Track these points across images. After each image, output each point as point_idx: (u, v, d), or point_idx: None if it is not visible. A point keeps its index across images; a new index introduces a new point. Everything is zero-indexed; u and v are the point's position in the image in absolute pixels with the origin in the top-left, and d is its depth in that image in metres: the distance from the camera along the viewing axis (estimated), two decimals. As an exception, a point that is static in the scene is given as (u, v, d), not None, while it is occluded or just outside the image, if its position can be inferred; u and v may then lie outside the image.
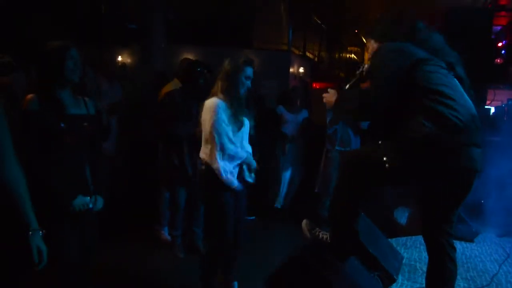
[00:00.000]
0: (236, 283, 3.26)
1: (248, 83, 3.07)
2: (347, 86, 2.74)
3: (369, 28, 2.62)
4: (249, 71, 3.06)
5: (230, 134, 2.98)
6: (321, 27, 14.27)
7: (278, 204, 5.67)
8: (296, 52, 11.54)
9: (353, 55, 21.45)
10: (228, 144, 2.96)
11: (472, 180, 2.22)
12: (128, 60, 9.41)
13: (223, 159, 2.96)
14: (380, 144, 2.25)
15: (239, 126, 3.04)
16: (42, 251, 1.87)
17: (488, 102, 5.66)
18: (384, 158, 2.18)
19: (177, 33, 8.95)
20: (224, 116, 2.97)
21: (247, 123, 3.14)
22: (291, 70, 10.29)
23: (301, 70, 11.00)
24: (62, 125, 2.26)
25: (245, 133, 3.14)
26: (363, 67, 2.62)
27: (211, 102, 3.01)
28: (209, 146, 3.00)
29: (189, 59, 4.64)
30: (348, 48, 21.70)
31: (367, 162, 2.32)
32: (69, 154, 2.33)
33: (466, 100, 2.23)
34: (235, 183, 3.02)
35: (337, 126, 4.98)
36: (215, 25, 9.90)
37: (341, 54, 20.44)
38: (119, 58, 9.33)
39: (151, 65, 7.57)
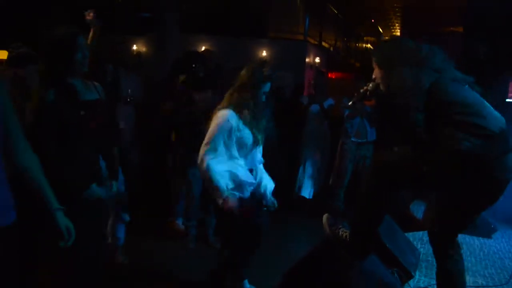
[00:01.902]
0: (246, 281, 3.16)
1: (264, 97, 2.83)
2: (350, 102, 2.74)
3: (373, 50, 2.60)
4: (267, 87, 2.81)
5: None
6: (338, 17, 14.12)
7: (306, 194, 5.50)
8: (312, 41, 11.43)
9: (369, 45, 21.22)
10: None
11: (504, 189, 2.25)
12: (143, 49, 9.41)
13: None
14: (417, 153, 2.26)
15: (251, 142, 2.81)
16: (69, 228, 1.88)
17: (510, 94, 5.50)
18: (424, 168, 2.20)
19: (192, 22, 8.91)
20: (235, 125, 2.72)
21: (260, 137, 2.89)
22: (307, 60, 10.19)
23: (317, 60, 10.88)
24: (82, 112, 2.25)
25: (258, 150, 2.94)
26: (368, 86, 2.60)
27: (222, 113, 2.75)
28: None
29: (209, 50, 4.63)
30: (365, 38, 21.49)
31: (402, 170, 2.32)
32: (86, 141, 2.31)
33: (490, 107, 2.27)
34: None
35: (353, 120, 4.90)
36: (229, 14, 9.83)
37: (357, 44, 20.24)
38: (134, 47, 9.34)
39: (166, 55, 7.54)
